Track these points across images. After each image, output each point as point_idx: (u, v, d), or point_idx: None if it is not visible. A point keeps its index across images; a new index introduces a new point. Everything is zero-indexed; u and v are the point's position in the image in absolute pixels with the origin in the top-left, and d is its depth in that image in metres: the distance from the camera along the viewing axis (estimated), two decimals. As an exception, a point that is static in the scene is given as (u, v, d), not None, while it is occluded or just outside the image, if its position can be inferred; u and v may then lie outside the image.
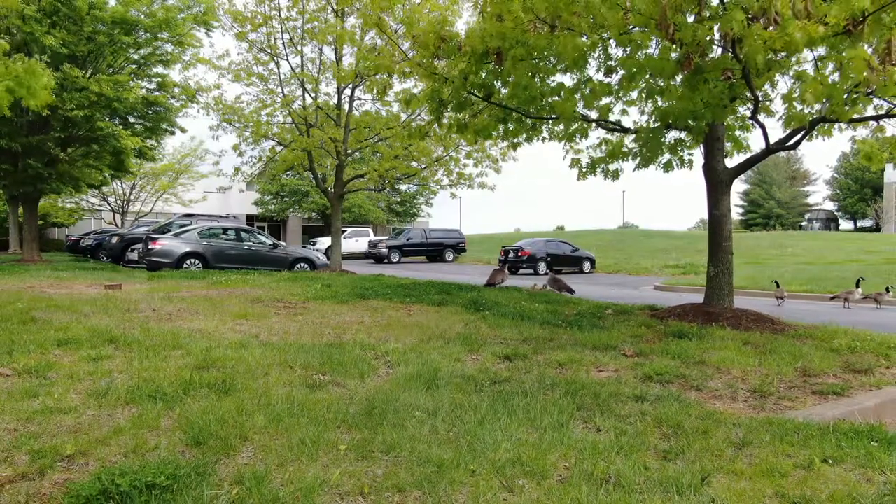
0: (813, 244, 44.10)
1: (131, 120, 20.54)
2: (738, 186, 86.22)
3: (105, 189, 36.74)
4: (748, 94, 6.15)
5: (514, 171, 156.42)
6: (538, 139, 10.11)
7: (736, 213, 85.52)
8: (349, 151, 15.47)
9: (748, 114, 7.37)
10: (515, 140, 9.82)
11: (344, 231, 40.40)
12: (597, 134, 10.22)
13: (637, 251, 39.41)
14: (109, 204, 37.29)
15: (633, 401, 3.94)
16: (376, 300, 8.85)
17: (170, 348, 4.98)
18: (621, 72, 6.94)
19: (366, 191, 20.84)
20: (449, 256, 36.66)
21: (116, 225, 36.14)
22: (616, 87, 6.99)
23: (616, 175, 8.08)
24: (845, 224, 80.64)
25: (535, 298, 9.48)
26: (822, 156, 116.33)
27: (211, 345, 5.16)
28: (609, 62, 7.36)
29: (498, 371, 4.72)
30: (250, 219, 50.24)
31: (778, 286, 14.03)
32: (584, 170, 8.65)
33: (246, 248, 18.49)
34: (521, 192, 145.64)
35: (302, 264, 18.91)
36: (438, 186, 15.83)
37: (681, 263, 29.74)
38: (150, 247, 17.69)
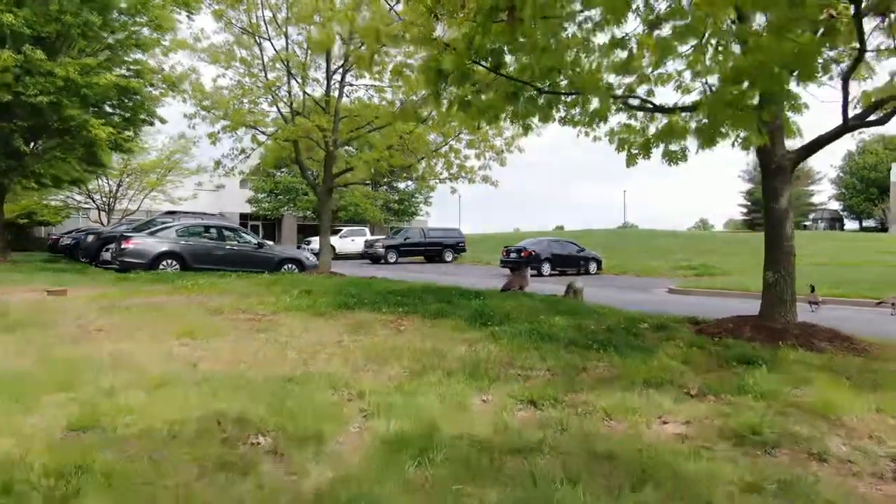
0: (824, 244, 42.64)
1: (108, 109, 19.01)
2: (741, 185, 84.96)
3: (90, 186, 35.27)
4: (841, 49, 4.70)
5: (514, 171, 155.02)
6: (554, 121, 8.63)
7: (739, 213, 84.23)
8: (339, 142, 13.98)
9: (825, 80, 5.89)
10: (527, 122, 8.34)
11: (339, 230, 38.92)
12: (617, 119, 8.63)
13: (642, 251, 37.89)
14: (94, 202, 35.70)
15: (744, 493, 2.48)
16: (362, 311, 7.39)
17: (55, 389, 3.52)
18: (670, 23, 5.47)
19: (357, 185, 19.38)
20: (448, 257, 35.16)
21: (102, 223, 34.62)
22: (669, 40, 5.45)
23: (680, 157, 6.56)
24: (850, 224, 79.40)
25: (551, 308, 8.01)
26: (825, 155, 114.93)
27: (119, 383, 3.70)
28: (651, 15, 5.87)
29: (522, 428, 3.26)
30: (244, 217, 48.69)
31: (813, 290, 12.59)
32: (636, 152, 7.20)
33: (228, 247, 17.02)
34: (521, 192, 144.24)
35: (290, 265, 17.46)
36: (437, 180, 14.35)
37: (693, 264, 28.23)
38: (122, 246, 16.22)
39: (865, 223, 73.95)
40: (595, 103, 8.06)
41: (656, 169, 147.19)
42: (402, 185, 50.43)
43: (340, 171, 14.38)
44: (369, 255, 33.16)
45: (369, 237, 37.27)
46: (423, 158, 13.24)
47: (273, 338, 5.64)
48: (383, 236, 37.17)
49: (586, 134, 9.90)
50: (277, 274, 15.62)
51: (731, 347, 5.60)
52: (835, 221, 79.12)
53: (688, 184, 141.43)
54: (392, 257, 32.71)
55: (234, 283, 10.29)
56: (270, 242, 21.71)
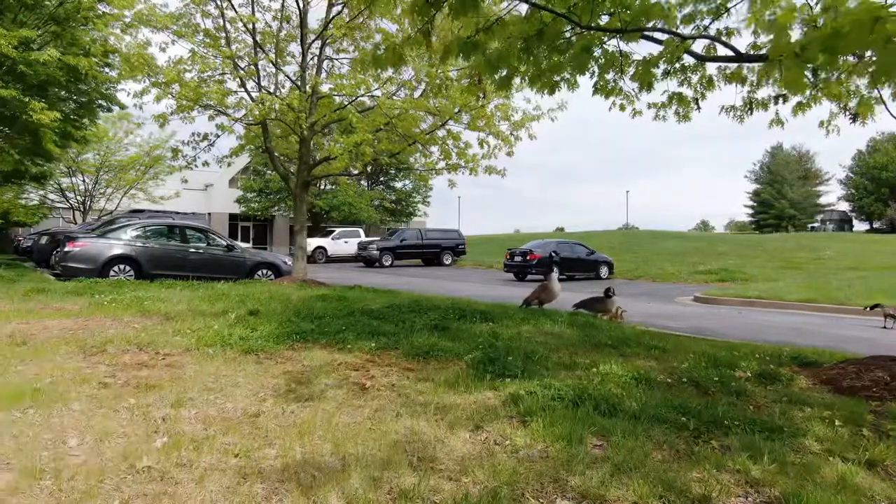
0: (843, 246, 40.60)
1: (62, 94, 16.67)
2: (748, 186, 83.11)
3: (64, 184, 32.96)
4: None
5: (514, 172, 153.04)
6: (590, 76, 6.31)
7: (745, 214, 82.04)
8: (315, 126, 11.69)
9: None
10: (556, 77, 6.02)
11: (332, 231, 36.57)
12: (663, 87, 6.15)
13: (653, 254, 35.62)
14: (68, 200, 33.34)
15: None
16: (317, 346, 5.07)
17: None
18: None
19: (341, 177, 16.93)
20: (447, 259, 32.98)
21: (76, 223, 32.27)
22: None
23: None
24: (860, 225, 77.51)
25: (588, 338, 5.70)
26: (834, 154, 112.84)
27: None
28: None
29: None
30: (234, 218, 46.48)
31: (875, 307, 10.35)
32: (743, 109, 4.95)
33: (192, 251, 14.75)
34: (521, 194, 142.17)
35: (264, 271, 15.20)
36: (433, 171, 12.07)
37: (712, 268, 26.04)
38: (65, 250, 13.95)
39: (875, 224, 71.76)
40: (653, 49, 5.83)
41: (656, 170, 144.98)
42: (399, 184, 48.10)
43: (318, 161, 12.07)
44: (363, 258, 31.04)
45: (363, 239, 35.01)
46: (414, 143, 10.94)
47: (145, 408, 3.32)
48: (378, 238, 34.92)
49: (622, 107, 7.66)
50: (247, 281, 13.37)
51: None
52: (844, 223, 77.05)
53: (687, 185, 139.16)
54: (387, 260, 30.54)
55: (169, 298, 7.96)
56: (244, 245, 19.44)
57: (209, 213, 48.00)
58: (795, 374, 4.48)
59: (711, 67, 7.43)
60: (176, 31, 11.16)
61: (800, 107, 7.57)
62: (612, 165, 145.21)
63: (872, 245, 40.42)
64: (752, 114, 7.83)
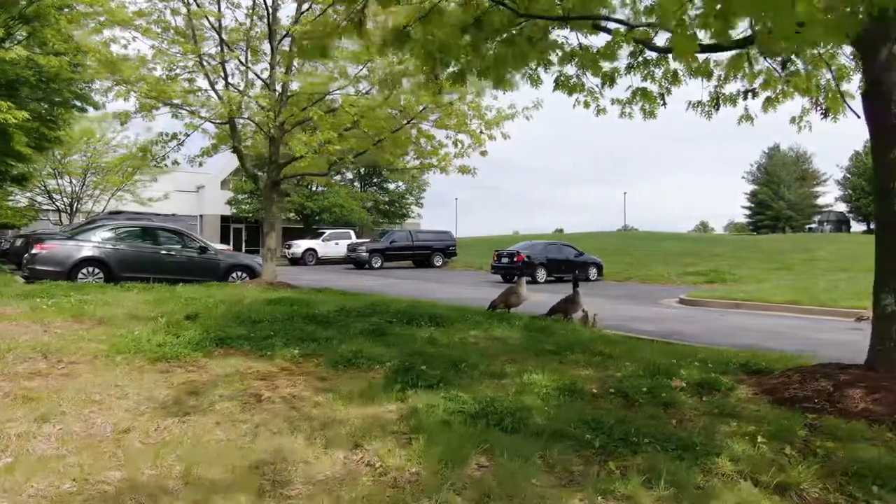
0: (838, 247, 40.25)
1: (35, 94, 16.39)
2: (745, 187, 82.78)
3: (51, 186, 32.70)
4: None
5: (514, 173, 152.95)
6: (547, 68, 6.02)
7: (742, 216, 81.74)
8: (285, 125, 11.41)
9: None
10: (502, 74, 5.71)
11: (323, 233, 36.28)
12: (626, 83, 6.03)
13: (647, 256, 35.30)
14: (55, 202, 33.06)
15: None
16: (239, 352, 4.76)
17: None
18: None
19: (305, 177, 16.64)
20: (438, 261, 32.71)
21: (62, 226, 32.00)
22: None
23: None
24: (857, 226, 77.19)
25: (535, 344, 5.40)
26: (831, 155, 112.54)
27: None
28: None
29: None
30: (225, 220, 46.19)
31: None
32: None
33: (164, 252, 14.46)
34: (521, 195, 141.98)
35: (238, 273, 14.94)
36: (403, 171, 11.77)
37: (701, 269, 25.76)
38: (34, 252, 13.67)
39: (872, 225, 71.39)
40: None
41: (658, 171, 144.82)
42: (392, 186, 47.79)
43: (286, 161, 11.80)
44: (353, 260, 30.80)
45: (354, 240, 34.72)
46: (380, 142, 10.65)
47: (3, 423, 3.04)
48: (368, 239, 34.63)
49: (586, 104, 7.39)
50: (216, 284, 13.09)
51: (849, 441, 3.02)
52: (841, 224, 76.71)
53: (687, 186, 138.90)
54: (377, 262, 30.27)
55: (116, 302, 7.67)
56: (223, 247, 19.17)
57: (201, 216, 47.67)
58: (738, 384, 4.19)
59: (676, 61, 7.16)
60: (138, 26, 10.88)
61: (769, 102, 7.31)
62: (613, 167, 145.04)
63: (866, 246, 40.07)
64: (718, 109, 7.57)
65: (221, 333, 5.28)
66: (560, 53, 6.52)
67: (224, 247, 20.44)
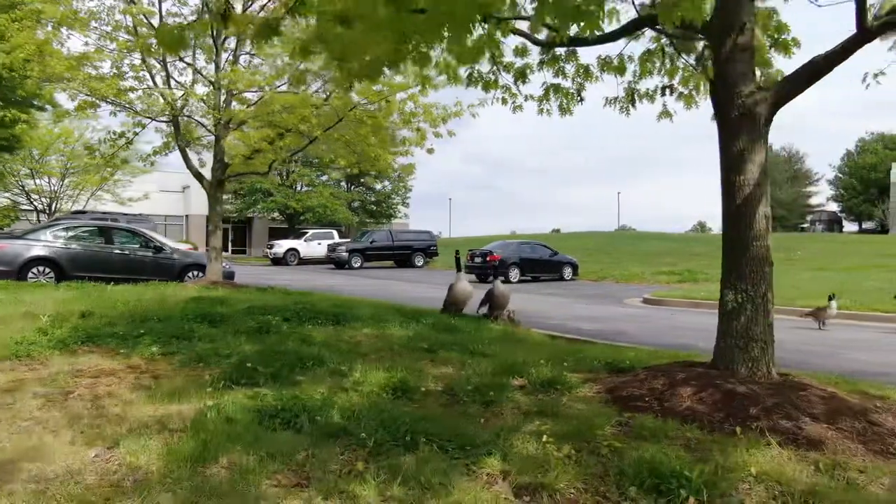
0: (822, 247, 40.40)
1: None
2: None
3: (29, 186, 32.56)
4: None
5: (513, 173, 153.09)
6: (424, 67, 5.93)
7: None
8: (230, 123, 11.31)
9: None
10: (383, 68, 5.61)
11: (305, 233, 36.21)
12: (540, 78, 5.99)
13: (628, 255, 35.30)
14: (33, 203, 32.94)
15: None
16: (100, 349, 4.62)
17: None
18: None
19: (255, 175, 16.53)
20: (419, 261, 32.69)
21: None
22: None
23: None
24: (850, 226, 77.25)
25: (422, 340, 5.32)
26: (824, 155, 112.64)
27: None
28: None
29: None
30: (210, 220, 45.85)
31: (831, 300, 9.88)
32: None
33: (118, 252, 14.37)
34: (521, 196, 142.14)
35: (195, 272, 14.86)
36: (345, 168, 11.67)
37: (677, 269, 25.77)
38: (-18, 251, 13.54)
39: (865, 225, 71.39)
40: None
41: (656, 171, 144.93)
42: (378, 186, 47.69)
43: (227, 162, 11.68)
44: (333, 260, 30.84)
45: (336, 240, 34.68)
46: (314, 140, 10.55)
47: None
48: (349, 239, 34.61)
49: (503, 101, 7.32)
50: (160, 283, 12.95)
51: (644, 440, 2.93)
52: (833, 223, 76.76)
53: (687, 186, 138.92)
54: (357, 262, 30.28)
55: (31, 301, 7.58)
56: (183, 246, 19.02)
57: (187, 216, 47.53)
58: (586, 382, 4.10)
59: (590, 57, 7.08)
60: (67, 21, 10.74)
61: (685, 98, 7.25)
62: (611, 167, 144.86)
63: (848, 246, 40.11)
64: (635, 105, 7.50)
65: (94, 332, 5.19)
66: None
67: (187, 246, 20.28)
